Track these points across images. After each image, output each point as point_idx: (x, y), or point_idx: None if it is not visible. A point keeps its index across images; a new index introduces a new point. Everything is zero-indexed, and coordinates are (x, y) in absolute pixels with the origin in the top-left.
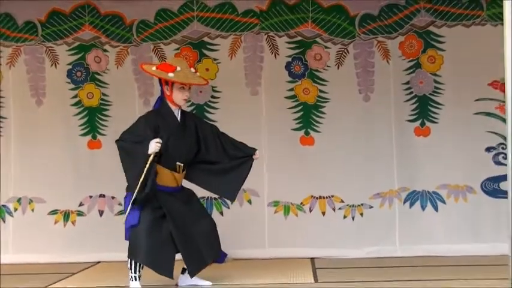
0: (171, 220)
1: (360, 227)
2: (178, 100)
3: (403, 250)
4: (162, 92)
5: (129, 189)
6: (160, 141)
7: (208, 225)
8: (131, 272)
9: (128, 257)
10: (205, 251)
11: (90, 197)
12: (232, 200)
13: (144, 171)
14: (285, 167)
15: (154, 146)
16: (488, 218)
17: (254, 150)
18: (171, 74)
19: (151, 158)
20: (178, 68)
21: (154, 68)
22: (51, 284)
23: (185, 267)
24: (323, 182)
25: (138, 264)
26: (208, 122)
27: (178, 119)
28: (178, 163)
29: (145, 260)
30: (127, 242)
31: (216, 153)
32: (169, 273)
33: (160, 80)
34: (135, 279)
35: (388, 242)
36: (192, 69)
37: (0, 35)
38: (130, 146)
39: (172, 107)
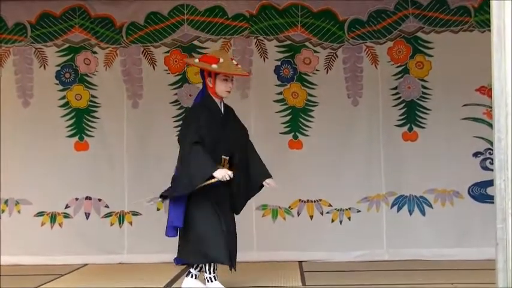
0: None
1: (347, 231)
2: (221, 92)
3: (390, 254)
4: (205, 84)
5: (183, 184)
6: (232, 175)
7: (234, 227)
8: (207, 273)
9: (200, 262)
10: (234, 252)
11: (76, 199)
12: (237, 213)
13: (201, 185)
14: (273, 170)
15: (223, 174)
16: (475, 223)
17: (268, 177)
18: (214, 65)
19: (213, 180)
20: (221, 60)
21: (197, 60)
22: (39, 286)
23: (191, 270)
24: (311, 186)
25: (212, 263)
26: (242, 124)
27: (222, 111)
28: (223, 156)
29: (220, 258)
30: (114, 245)
31: (239, 161)
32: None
33: (202, 73)
34: (215, 279)
35: (376, 245)
36: (234, 61)
37: None
38: (204, 155)
39: (216, 99)
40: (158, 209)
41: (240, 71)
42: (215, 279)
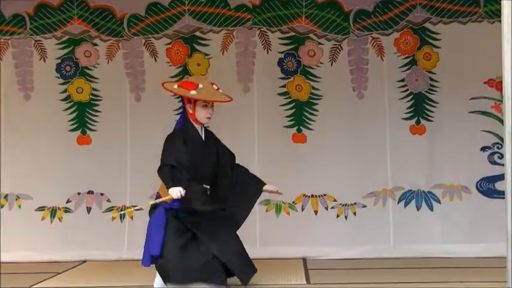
0: (204, 235)
1: (353, 226)
2: (202, 118)
3: (397, 250)
4: (184, 110)
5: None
6: (184, 191)
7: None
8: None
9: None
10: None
11: (78, 193)
12: (238, 228)
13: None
14: (277, 164)
15: (177, 193)
16: (483, 218)
17: (262, 185)
18: (193, 92)
19: (166, 198)
20: (201, 86)
21: (175, 86)
22: (35, 284)
23: None
24: (315, 180)
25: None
26: (227, 147)
27: (203, 137)
28: (205, 185)
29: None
30: (114, 240)
31: (223, 185)
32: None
33: (182, 98)
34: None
35: (382, 241)
36: (215, 86)
37: None
38: (168, 175)
39: (196, 125)
40: None
41: (220, 97)
42: None
